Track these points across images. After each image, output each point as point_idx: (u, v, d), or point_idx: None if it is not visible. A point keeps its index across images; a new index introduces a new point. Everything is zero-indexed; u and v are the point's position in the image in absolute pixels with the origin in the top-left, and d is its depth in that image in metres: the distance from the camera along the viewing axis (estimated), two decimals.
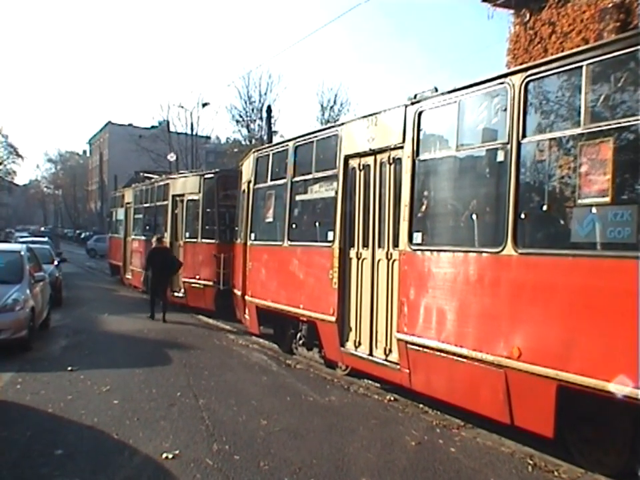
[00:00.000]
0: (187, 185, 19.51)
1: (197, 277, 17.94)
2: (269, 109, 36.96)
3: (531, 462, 6.46)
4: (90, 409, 8.01)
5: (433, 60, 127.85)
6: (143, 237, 23.37)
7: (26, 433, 7.06)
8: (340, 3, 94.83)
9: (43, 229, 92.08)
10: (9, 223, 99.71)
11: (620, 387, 5.43)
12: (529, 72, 6.78)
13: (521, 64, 10.31)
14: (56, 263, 21.48)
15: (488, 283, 7.07)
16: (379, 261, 9.27)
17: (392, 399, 8.92)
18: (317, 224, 11.12)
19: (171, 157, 43.87)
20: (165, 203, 20.77)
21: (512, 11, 15.27)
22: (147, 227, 23.38)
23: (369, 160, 9.52)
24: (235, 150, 48.38)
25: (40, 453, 6.45)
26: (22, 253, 13.88)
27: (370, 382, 9.94)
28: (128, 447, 6.67)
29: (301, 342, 11.90)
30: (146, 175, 26.56)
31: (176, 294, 19.45)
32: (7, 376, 9.76)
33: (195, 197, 18.63)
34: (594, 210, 6.03)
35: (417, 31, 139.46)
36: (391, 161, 9.03)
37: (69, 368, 10.32)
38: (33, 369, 10.32)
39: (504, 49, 15.50)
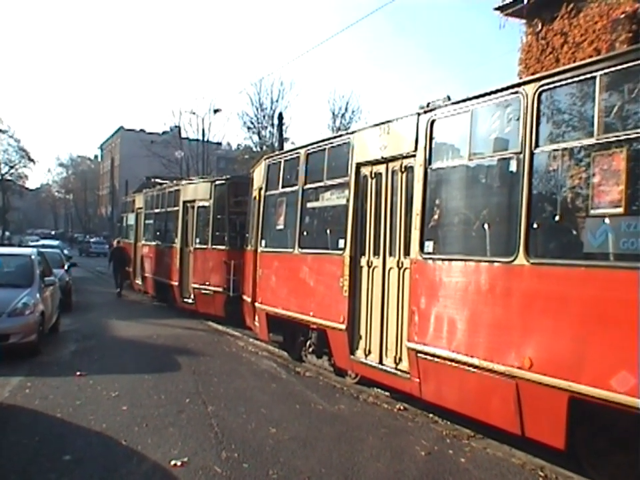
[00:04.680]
0: (197, 191, 19.52)
1: (207, 283, 17.95)
2: (281, 116, 36.92)
3: (542, 474, 6.41)
4: (99, 415, 8.01)
5: (444, 69, 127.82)
6: (154, 243, 23.40)
7: (34, 438, 7.06)
8: (352, 11, 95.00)
9: (52, 232, 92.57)
10: (19, 226, 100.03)
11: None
12: (543, 82, 6.76)
13: (533, 74, 10.29)
14: (66, 267, 21.55)
15: (499, 293, 7.03)
16: (389, 269, 9.23)
17: (402, 408, 8.88)
18: (328, 231, 11.07)
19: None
20: (176, 208, 20.77)
21: (524, 21, 15.32)
22: (158, 233, 23.43)
23: (381, 168, 9.49)
24: (246, 156, 48.74)
25: (48, 458, 6.44)
26: (32, 257, 13.94)
27: (380, 391, 9.89)
28: (136, 453, 6.65)
29: (310, 349, 11.86)
30: (157, 180, 26.64)
31: (186, 300, 19.50)
32: (16, 380, 9.77)
33: (206, 203, 18.64)
34: (607, 220, 6.01)
35: (429, 41, 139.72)
36: (403, 169, 9.01)
37: (78, 373, 10.33)
38: (42, 374, 10.32)
39: (515, 59, 15.55)
